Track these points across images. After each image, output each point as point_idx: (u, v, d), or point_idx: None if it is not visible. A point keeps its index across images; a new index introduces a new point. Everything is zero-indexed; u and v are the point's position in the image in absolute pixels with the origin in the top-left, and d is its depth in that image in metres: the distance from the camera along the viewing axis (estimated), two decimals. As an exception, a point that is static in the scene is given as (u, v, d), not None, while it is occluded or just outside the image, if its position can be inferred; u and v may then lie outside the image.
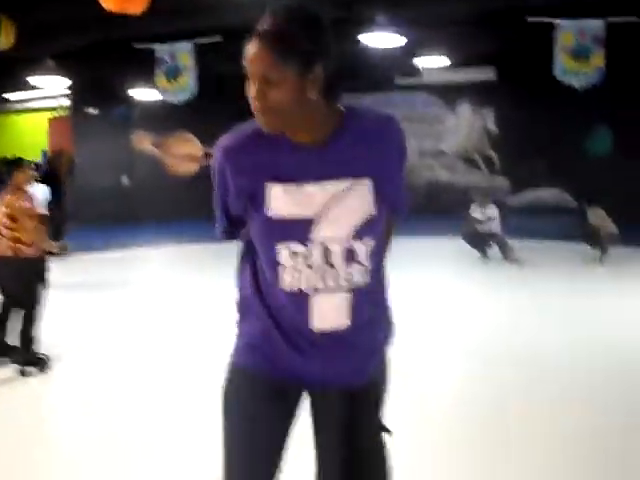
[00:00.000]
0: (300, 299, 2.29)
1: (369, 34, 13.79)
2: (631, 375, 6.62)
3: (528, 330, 8.38)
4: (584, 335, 8.04)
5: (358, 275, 2.30)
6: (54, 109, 23.47)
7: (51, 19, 12.67)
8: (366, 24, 13.47)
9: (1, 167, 11.52)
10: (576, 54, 12.94)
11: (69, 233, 14.95)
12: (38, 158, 22.06)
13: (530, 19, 12.44)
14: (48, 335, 8.64)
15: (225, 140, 2.33)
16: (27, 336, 6.90)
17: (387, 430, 2.53)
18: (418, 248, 14.58)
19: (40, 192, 11.78)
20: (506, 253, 13.31)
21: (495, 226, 13.52)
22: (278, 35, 2.08)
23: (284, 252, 2.27)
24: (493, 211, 13.65)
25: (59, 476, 4.66)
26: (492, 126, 21.85)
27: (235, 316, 2.47)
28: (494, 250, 13.49)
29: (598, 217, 13.35)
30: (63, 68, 15.90)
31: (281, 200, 2.23)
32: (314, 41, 2.12)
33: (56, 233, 11.96)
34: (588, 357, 7.22)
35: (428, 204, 20.58)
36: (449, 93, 21.88)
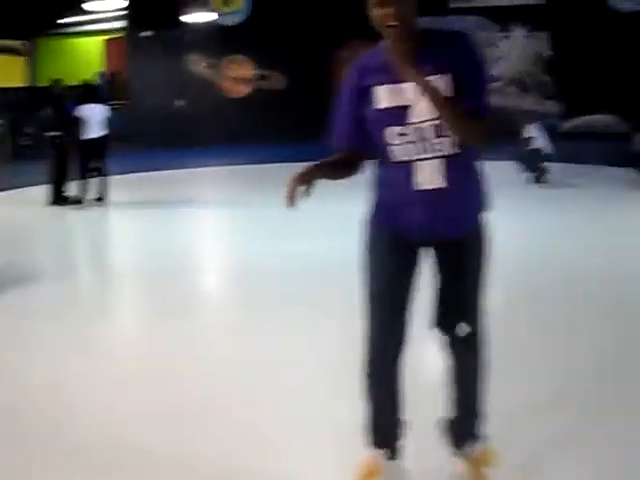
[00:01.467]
0: (408, 167, 3.05)
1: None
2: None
3: (565, 250, 8.54)
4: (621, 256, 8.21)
5: (446, 145, 3.00)
6: (110, 32, 23.73)
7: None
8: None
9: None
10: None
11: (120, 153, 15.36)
12: (95, 79, 22.46)
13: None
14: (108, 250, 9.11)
15: (357, 61, 3.14)
16: None
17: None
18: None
19: (99, 112, 12.08)
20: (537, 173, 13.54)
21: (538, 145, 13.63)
22: None
23: (391, 134, 3.02)
24: (533, 131, 13.76)
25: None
26: (546, 50, 21.68)
27: (368, 194, 3.24)
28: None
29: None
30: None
31: (383, 96, 3.01)
32: None
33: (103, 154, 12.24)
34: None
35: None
36: (503, 16, 21.67)
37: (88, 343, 5.50)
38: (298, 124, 18.98)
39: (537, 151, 13.60)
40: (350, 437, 3.49)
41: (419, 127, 2.99)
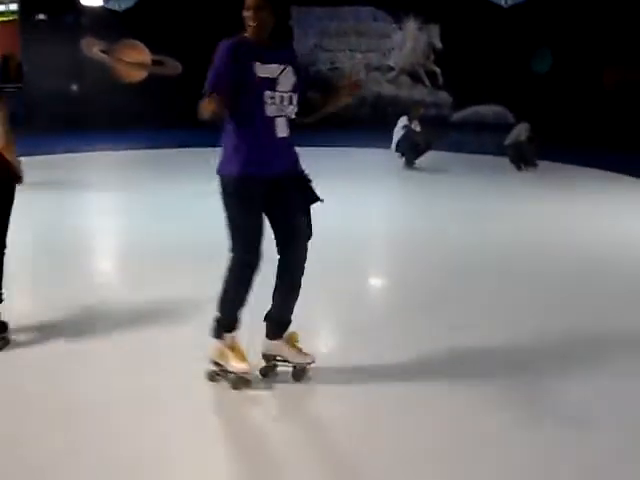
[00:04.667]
0: (272, 120, 4.29)
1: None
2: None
3: (451, 232, 9.06)
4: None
5: (291, 110, 4.35)
6: (2, 14, 23.28)
7: None
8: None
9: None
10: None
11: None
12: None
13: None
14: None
15: (230, 40, 4.20)
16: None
17: (317, 200, 4.49)
18: (360, 158, 15.47)
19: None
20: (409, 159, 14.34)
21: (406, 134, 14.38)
22: None
23: (266, 95, 4.24)
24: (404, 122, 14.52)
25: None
26: (437, 42, 22.25)
27: (227, 151, 4.31)
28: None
29: (523, 132, 14.06)
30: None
31: (260, 69, 4.20)
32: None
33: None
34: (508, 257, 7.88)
35: (374, 117, 21.10)
36: (396, 8, 22.15)
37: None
38: (192, 109, 19.04)
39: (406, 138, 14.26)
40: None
41: (281, 95, 4.28)
